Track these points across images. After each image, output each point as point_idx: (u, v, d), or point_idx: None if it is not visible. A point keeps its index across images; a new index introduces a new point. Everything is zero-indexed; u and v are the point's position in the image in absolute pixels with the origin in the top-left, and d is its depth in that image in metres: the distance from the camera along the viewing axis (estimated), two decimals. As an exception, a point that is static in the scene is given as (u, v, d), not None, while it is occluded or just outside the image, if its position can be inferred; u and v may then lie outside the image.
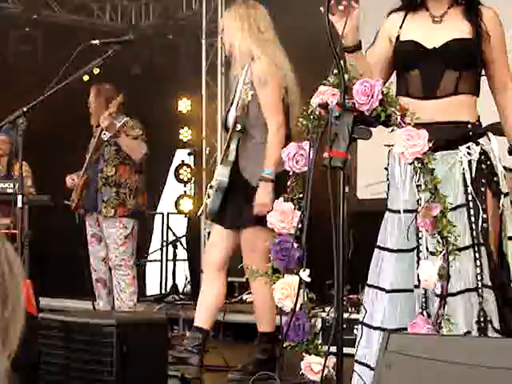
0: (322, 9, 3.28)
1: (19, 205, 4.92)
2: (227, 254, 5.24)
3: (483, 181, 3.39)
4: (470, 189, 3.31)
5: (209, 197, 5.16)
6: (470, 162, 3.39)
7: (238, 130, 4.96)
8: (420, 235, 3.35)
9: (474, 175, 3.38)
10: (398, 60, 3.58)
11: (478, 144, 3.41)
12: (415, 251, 3.39)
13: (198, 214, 5.45)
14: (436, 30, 3.50)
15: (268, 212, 4.85)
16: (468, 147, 3.40)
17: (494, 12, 3.52)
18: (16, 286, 1.06)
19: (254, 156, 4.97)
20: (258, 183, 4.92)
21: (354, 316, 5.67)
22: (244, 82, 5.00)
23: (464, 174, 3.36)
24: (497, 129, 3.66)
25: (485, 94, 3.58)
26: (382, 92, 3.09)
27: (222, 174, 5.04)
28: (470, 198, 3.34)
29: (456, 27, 3.47)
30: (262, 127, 4.93)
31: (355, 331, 5.57)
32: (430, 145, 3.07)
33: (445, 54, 3.45)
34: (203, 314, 5.15)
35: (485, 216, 3.31)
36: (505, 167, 3.51)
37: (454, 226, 3.06)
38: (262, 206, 4.83)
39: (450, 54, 3.44)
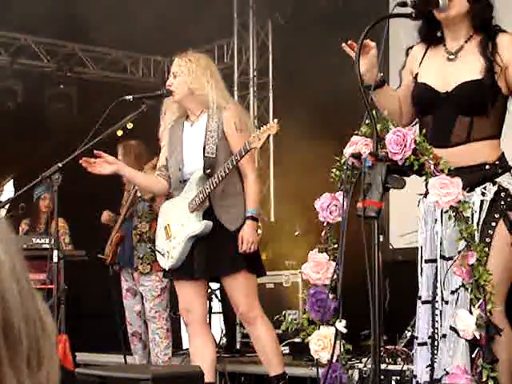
0: (344, 45, 3.34)
1: (55, 260, 4.95)
2: (206, 305, 5.25)
3: (496, 216, 3.33)
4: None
5: (163, 250, 5.07)
6: (482, 202, 3.35)
7: (206, 173, 4.92)
8: (437, 285, 3.34)
9: (484, 215, 3.34)
10: (414, 104, 3.60)
11: (494, 183, 3.38)
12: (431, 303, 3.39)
13: (167, 268, 5.09)
14: (449, 71, 3.49)
15: (253, 250, 4.89)
16: (484, 187, 3.37)
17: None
18: (50, 346, 1.05)
19: (226, 203, 4.93)
20: (236, 227, 4.88)
21: (391, 367, 5.61)
22: (208, 129, 4.94)
23: (473, 215, 3.32)
24: None
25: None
26: (415, 141, 3.09)
27: (199, 220, 4.90)
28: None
29: (469, 66, 3.44)
30: (230, 173, 4.85)
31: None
32: (465, 192, 3.06)
33: (456, 99, 3.43)
34: (209, 369, 5.00)
35: (486, 250, 3.19)
36: None
37: (490, 275, 3.03)
38: (249, 244, 4.84)
39: (460, 100, 3.43)
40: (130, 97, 5.00)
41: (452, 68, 3.49)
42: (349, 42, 3.32)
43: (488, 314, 3.02)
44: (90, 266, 7.18)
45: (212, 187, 4.80)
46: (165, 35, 8.92)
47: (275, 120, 4.72)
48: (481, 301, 3.01)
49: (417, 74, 3.60)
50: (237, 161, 4.73)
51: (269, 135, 4.65)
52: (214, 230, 4.90)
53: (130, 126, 5.02)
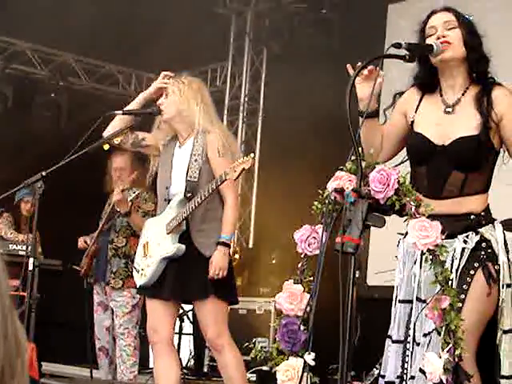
0: (349, 66, 3.34)
1: (30, 268, 4.94)
2: (174, 326, 5.23)
3: (475, 264, 3.36)
4: (452, 275, 3.25)
5: (139, 268, 5.06)
6: (463, 249, 3.38)
7: (187, 196, 4.93)
8: (410, 326, 3.35)
9: (464, 262, 3.36)
10: (408, 153, 3.62)
11: (477, 233, 3.41)
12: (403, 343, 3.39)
13: (138, 285, 5.12)
14: (446, 124, 3.51)
15: (223, 276, 4.88)
16: (467, 236, 3.40)
17: (506, 90, 3.48)
18: (22, 362, 1.06)
19: (204, 227, 4.93)
20: (211, 253, 4.84)
21: (356, 403, 5.60)
22: (193, 152, 4.97)
23: (453, 261, 3.35)
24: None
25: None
26: (398, 181, 3.10)
27: (173, 243, 4.91)
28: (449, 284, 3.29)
29: (466, 121, 3.47)
30: (211, 197, 4.87)
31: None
32: (443, 237, 3.08)
33: (451, 153, 3.45)
34: None
35: (462, 296, 3.24)
36: None
37: (462, 320, 3.05)
38: (219, 270, 4.80)
39: (456, 155, 3.45)
40: (120, 112, 5.01)
41: (449, 121, 3.50)
42: (358, 63, 3.31)
43: (457, 358, 3.03)
44: (64, 277, 7.16)
45: (188, 212, 4.82)
46: (159, 53, 8.96)
47: (251, 155, 4.74)
48: (450, 345, 3.02)
49: (412, 122, 3.61)
50: (213, 189, 4.74)
51: (243, 169, 4.66)
52: (189, 253, 4.89)
53: (117, 140, 5.02)
